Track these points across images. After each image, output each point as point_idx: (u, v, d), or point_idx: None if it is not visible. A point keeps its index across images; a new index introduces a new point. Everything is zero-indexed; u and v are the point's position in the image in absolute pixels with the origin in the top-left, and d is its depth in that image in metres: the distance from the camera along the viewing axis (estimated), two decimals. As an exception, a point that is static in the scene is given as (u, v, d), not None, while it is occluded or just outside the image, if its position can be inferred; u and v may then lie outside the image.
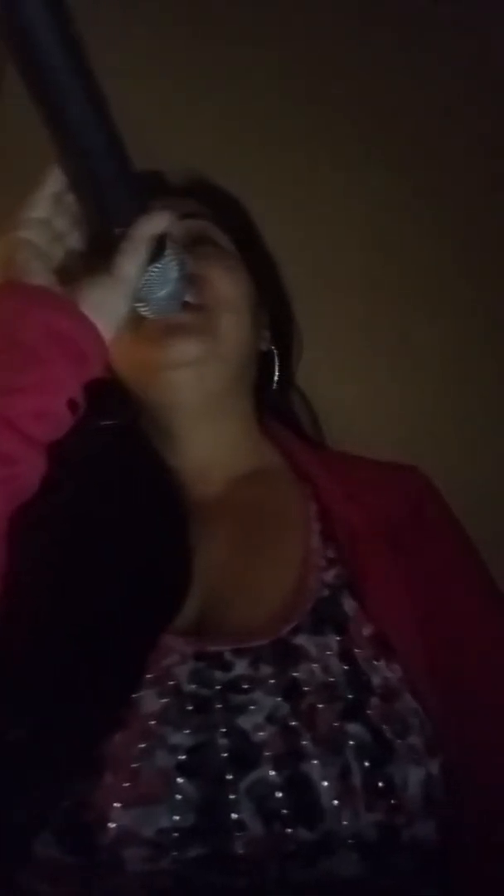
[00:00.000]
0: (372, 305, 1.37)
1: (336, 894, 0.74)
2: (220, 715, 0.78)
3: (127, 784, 0.74)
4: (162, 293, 0.82)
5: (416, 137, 1.38)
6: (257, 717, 0.77)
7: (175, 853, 0.73)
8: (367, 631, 0.85)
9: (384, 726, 0.78)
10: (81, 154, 0.75)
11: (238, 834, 0.73)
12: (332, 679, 0.80)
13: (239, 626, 0.84)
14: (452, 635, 0.88)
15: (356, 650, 0.83)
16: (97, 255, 0.79)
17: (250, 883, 0.73)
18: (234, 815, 0.73)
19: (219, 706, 0.78)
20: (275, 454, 1.02)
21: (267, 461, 1.01)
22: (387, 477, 0.99)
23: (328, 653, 0.82)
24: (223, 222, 1.01)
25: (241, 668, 0.80)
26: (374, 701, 0.80)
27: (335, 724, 0.77)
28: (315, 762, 0.75)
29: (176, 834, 0.73)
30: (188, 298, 0.88)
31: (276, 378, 1.04)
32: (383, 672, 0.82)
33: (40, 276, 0.77)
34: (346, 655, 0.82)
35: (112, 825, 0.73)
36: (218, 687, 0.79)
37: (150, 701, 0.78)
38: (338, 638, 0.83)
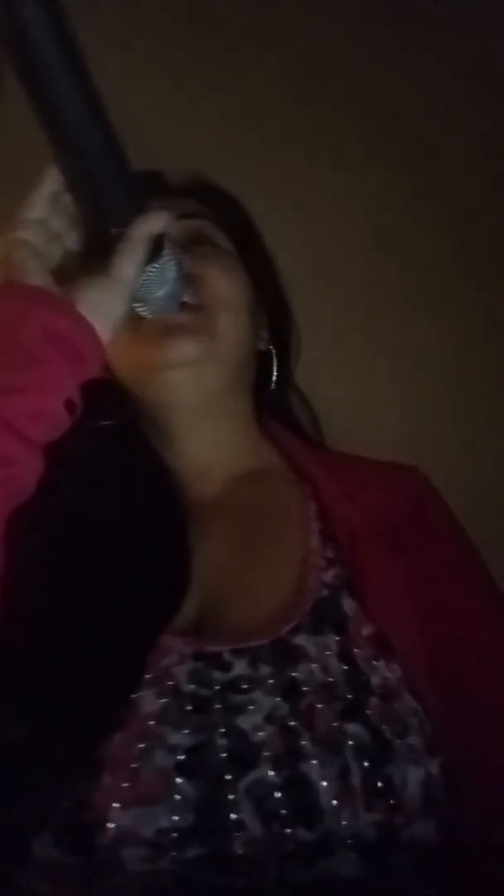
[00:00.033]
0: (372, 305, 1.37)
1: (335, 894, 0.75)
2: (219, 715, 0.78)
3: (126, 784, 0.74)
4: (160, 293, 0.82)
5: (416, 137, 1.38)
6: (256, 718, 0.77)
7: (174, 853, 0.73)
8: (366, 631, 0.85)
9: (383, 726, 0.78)
10: (78, 154, 0.75)
11: (237, 834, 0.73)
12: (331, 679, 0.80)
13: (238, 626, 0.84)
14: (452, 635, 0.88)
15: (355, 650, 0.83)
16: (94, 256, 0.79)
17: (249, 883, 0.73)
18: (233, 815, 0.73)
19: (218, 706, 0.78)
20: (274, 454, 1.02)
21: (266, 461, 1.01)
22: (387, 477, 0.99)
23: (327, 653, 0.82)
24: (222, 222, 1.01)
25: (240, 668, 0.80)
26: (374, 701, 0.80)
27: (334, 724, 0.77)
28: (314, 762, 0.75)
29: (175, 834, 0.73)
30: (186, 299, 0.88)
31: (274, 378, 1.04)
32: (382, 672, 0.82)
33: (37, 276, 0.77)
34: (345, 655, 0.82)
35: (111, 825, 0.73)
36: (217, 687, 0.79)
37: (149, 701, 0.78)
38: (337, 638, 0.84)
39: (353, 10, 1.38)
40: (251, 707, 0.78)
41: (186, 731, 0.77)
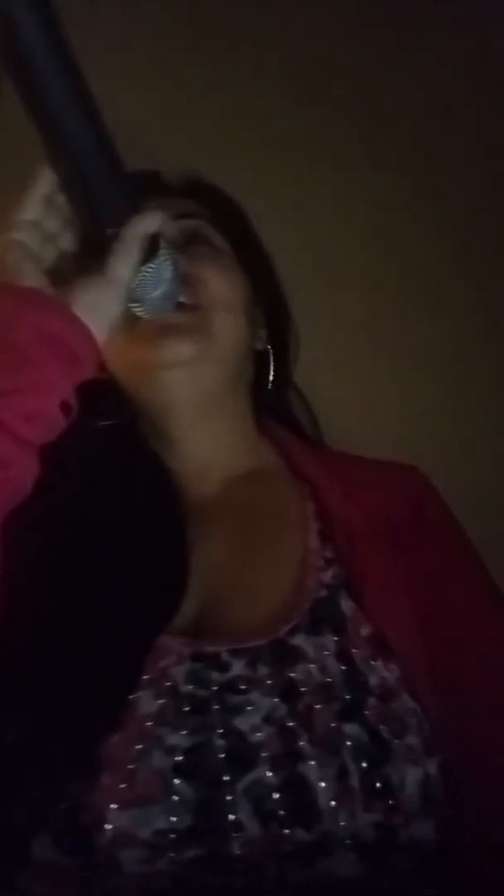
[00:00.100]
0: (372, 305, 1.37)
1: (334, 895, 0.74)
2: (217, 716, 0.78)
3: (123, 785, 0.74)
4: (156, 293, 0.82)
5: (416, 137, 1.38)
6: (254, 718, 0.77)
7: (172, 854, 0.73)
8: (364, 631, 0.85)
9: (381, 726, 0.78)
10: (71, 154, 0.75)
11: (235, 835, 0.73)
12: (329, 679, 0.80)
13: (237, 627, 0.85)
14: (452, 635, 0.88)
15: (354, 650, 0.83)
16: (90, 256, 0.79)
17: (248, 883, 0.73)
18: (231, 816, 0.74)
19: (216, 707, 0.78)
20: (273, 454, 1.02)
21: (265, 461, 1.01)
22: (386, 477, 0.99)
23: (325, 653, 0.82)
24: (219, 221, 1.01)
25: (238, 668, 0.81)
26: (372, 701, 0.80)
27: (332, 725, 0.77)
28: (312, 763, 0.75)
29: (173, 835, 0.73)
30: (183, 299, 0.88)
31: (271, 377, 1.04)
32: (381, 672, 0.82)
33: (32, 277, 0.77)
34: (343, 656, 0.82)
35: (109, 826, 0.73)
36: (215, 688, 0.79)
37: (147, 702, 0.78)
38: (335, 638, 0.84)
39: (353, 10, 1.37)
40: (249, 708, 0.78)
41: (184, 732, 0.77)
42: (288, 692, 0.79)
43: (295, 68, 1.38)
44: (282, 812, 0.74)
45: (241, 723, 0.77)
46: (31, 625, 0.82)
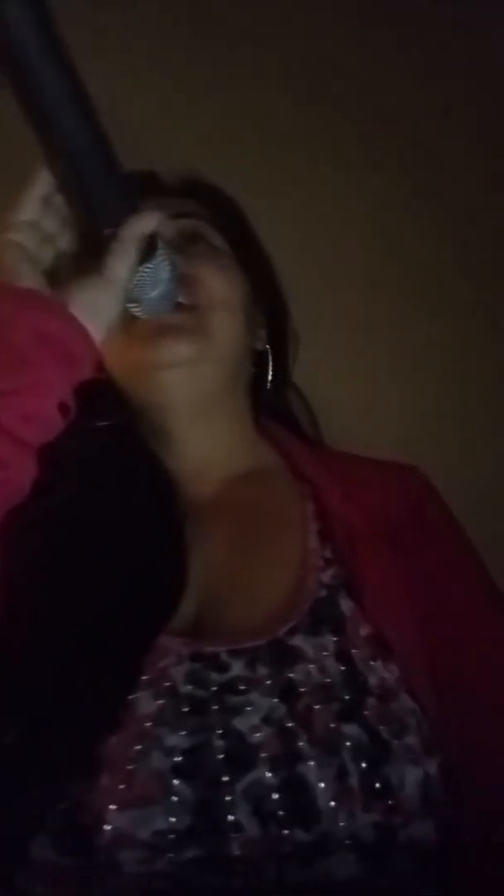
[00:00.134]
0: (372, 305, 1.37)
1: (334, 895, 0.74)
2: (216, 716, 0.78)
3: (123, 786, 0.74)
4: (154, 293, 0.82)
5: (416, 137, 1.38)
6: (253, 719, 0.77)
7: (171, 855, 0.73)
8: (364, 631, 0.85)
9: (381, 727, 0.78)
10: (68, 154, 0.75)
11: (234, 835, 0.73)
12: (328, 680, 0.80)
13: (236, 627, 0.84)
14: (452, 635, 0.88)
15: (353, 650, 0.83)
16: (87, 257, 0.79)
17: (247, 884, 0.73)
18: (230, 817, 0.73)
19: (215, 707, 0.78)
20: (272, 454, 1.02)
21: (264, 461, 1.01)
22: (386, 476, 0.99)
23: (324, 653, 0.82)
24: (217, 221, 1.01)
25: (237, 668, 0.80)
26: (371, 701, 0.80)
27: (332, 726, 0.77)
28: (311, 763, 0.75)
29: (172, 836, 0.73)
30: (181, 299, 0.88)
31: (270, 377, 1.04)
32: (380, 672, 0.82)
33: (29, 278, 0.77)
34: (342, 656, 0.82)
35: (108, 827, 0.73)
36: (214, 688, 0.79)
37: (146, 702, 0.78)
38: (335, 638, 0.83)
39: (353, 10, 1.37)
40: (248, 708, 0.78)
41: (183, 733, 0.76)
42: (287, 692, 0.79)
43: (295, 68, 1.38)
44: (281, 812, 0.74)
45: (241, 723, 0.77)
46: (31, 625, 0.82)
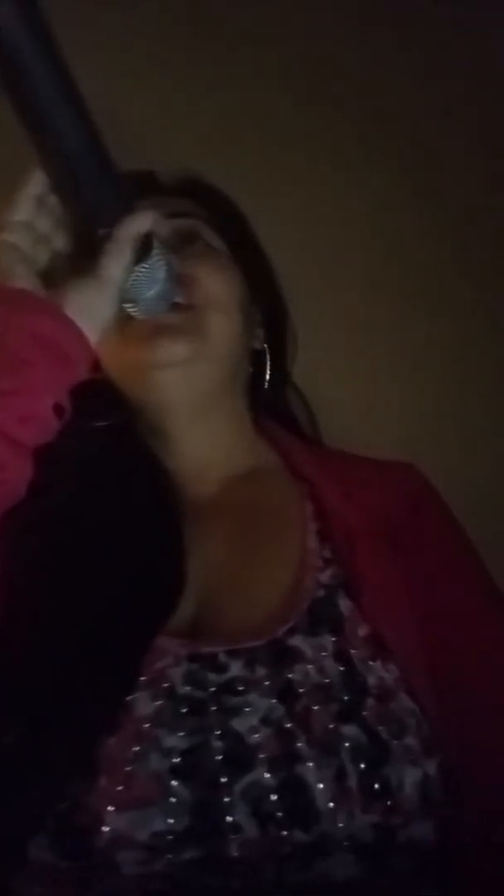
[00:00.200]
0: (372, 305, 1.37)
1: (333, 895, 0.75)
2: (214, 717, 0.77)
3: (121, 787, 0.74)
4: (150, 293, 0.82)
5: (416, 137, 1.38)
6: (252, 720, 0.77)
7: (170, 856, 0.73)
8: (362, 631, 0.85)
9: (380, 727, 0.78)
10: (61, 155, 0.75)
11: (233, 836, 0.73)
12: (327, 680, 0.80)
13: (234, 627, 0.84)
14: (452, 635, 0.88)
15: (352, 651, 0.83)
16: (82, 257, 0.79)
17: (246, 885, 0.73)
18: (228, 818, 0.73)
19: (213, 708, 0.78)
20: (271, 453, 1.02)
21: (263, 460, 1.01)
22: (385, 476, 0.99)
23: (323, 654, 0.82)
24: (214, 221, 1.00)
25: (235, 669, 0.80)
26: (370, 702, 0.80)
27: (330, 726, 0.77)
28: (310, 764, 0.75)
29: (170, 837, 0.73)
30: (177, 299, 0.88)
31: (268, 376, 1.03)
32: (379, 672, 0.82)
33: (24, 279, 0.77)
34: (341, 656, 0.82)
35: (106, 829, 0.73)
36: (212, 689, 0.79)
37: (144, 703, 0.78)
38: (333, 638, 0.83)
39: (353, 10, 1.37)
40: (247, 709, 0.78)
41: (182, 734, 0.76)
42: (286, 693, 0.79)
43: (295, 68, 1.38)
44: (280, 813, 0.74)
45: (239, 724, 0.77)
46: (30, 625, 0.82)
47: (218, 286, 0.95)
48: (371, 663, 0.82)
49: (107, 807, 0.73)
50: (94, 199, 0.77)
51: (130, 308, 0.83)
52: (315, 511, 0.94)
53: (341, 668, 0.81)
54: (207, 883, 0.73)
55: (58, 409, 0.74)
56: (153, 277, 0.82)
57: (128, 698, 0.78)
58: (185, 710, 0.78)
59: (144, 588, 0.86)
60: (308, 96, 1.38)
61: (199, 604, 0.87)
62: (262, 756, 0.75)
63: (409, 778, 0.77)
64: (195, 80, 1.36)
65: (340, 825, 0.74)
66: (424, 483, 1.00)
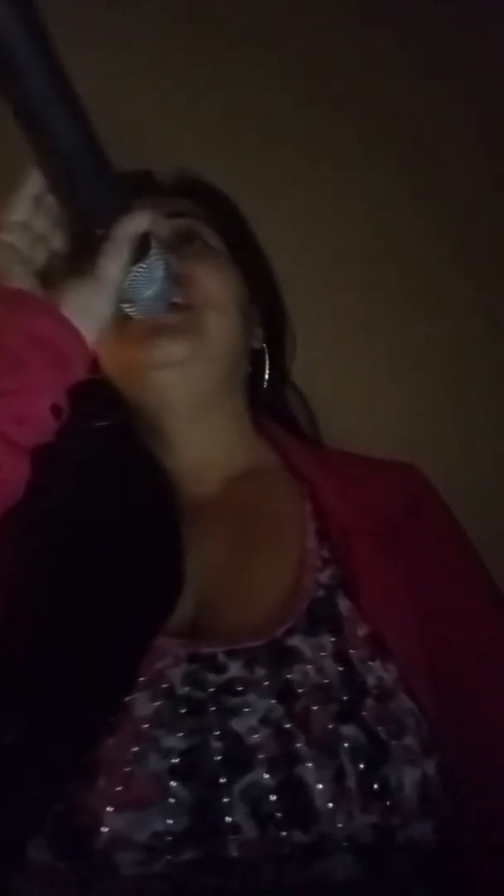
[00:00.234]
0: (372, 305, 1.37)
1: (332, 896, 0.75)
2: (213, 718, 0.77)
3: (120, 788, 0.74)
4: (148, 293, 0.82)
5: (416, 137, 1.38)
6: (251, 720, 0.77)
7: (169, 857, 0.73)
8: (361, 631, 0.85)
9: (379, 727, 0.78)
10: (58, 155, 0.75)
11: (232, 837, 0.73)
12: (326, 681, 0.80)
13: (233, 627, 0.84)
14: (452, 635, 0.88)
15: (351, 651, 0.83)
16: (79, 257, 0.79)
17: (245, 886, 0.73)
18: (227, 819, 0.73)
19: (212, 709, 0.78)
20: (270, 453, 1.01)
21: (262, 460, 1.00)
22: (384, 475, 0.99)
23: (322, 654, 0.82)
24: (213, 220, 1.00)
25: (234, 669, 0.80)
26: (369, 702, 0.79)
27: (329, 727, 0.77)
28: (309, 765, 0.75)
29: (169, 837, 0.73)
30: (176, 299, 0.88)
31: (266, 376, 1.03)
32: (378, 672, 0.82)
33: (21, 279, 0.77)
34: (340, 656, 0.82)
35: (105, 829, 0.73)
36: (212, 689, 0.79)
37: (143, 704, 0.78)
38: (332, 639, 0.83)
39: (353, 10, 1.37)
40: (246, 709, 0.78)
41: (181, 735, 0.76)
42: (285, 693, 0.79)
43: (295, 68, 1.38)
44: (279, 814, 0.74)
45: (238, 724, 0.77)
46: (29, 625, 0.82)
47: (216, 286, 0.94)
48: (370, 663, 0.82)
49: (106, 807, 0.73)
50: (92, 198, 0.77)
51: (128, 308, 0.83)
52: (314, 511, 0.94)
53: (340, 669, 0.81)
54: (207, 883, 0.73)
55: (55, 410, 0.74)
56: (151, 277, 0.82)
57: (127, 699, 0.78)
58: (184, 711, 0.78)
59: (144, 588, 0.86)
60: (308, 96, 1.38)
61: (199, 604, 0.87)
62: (261, 756, 0.75)
63: (409, 778, 0.77)
64: (195, 80, 1.36)
65: (340, 825, 0.74)
66: (424, 483, 1.00)
